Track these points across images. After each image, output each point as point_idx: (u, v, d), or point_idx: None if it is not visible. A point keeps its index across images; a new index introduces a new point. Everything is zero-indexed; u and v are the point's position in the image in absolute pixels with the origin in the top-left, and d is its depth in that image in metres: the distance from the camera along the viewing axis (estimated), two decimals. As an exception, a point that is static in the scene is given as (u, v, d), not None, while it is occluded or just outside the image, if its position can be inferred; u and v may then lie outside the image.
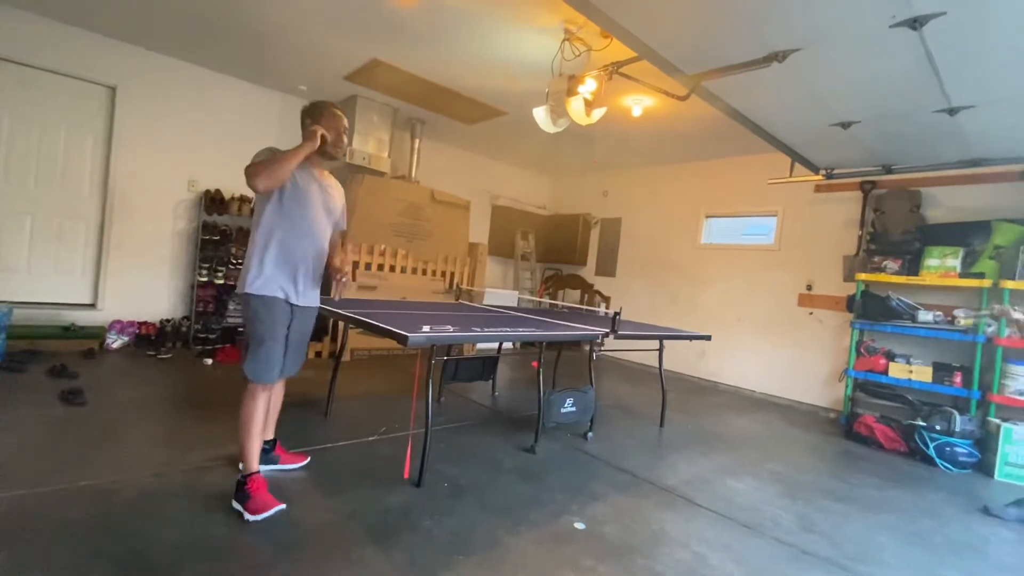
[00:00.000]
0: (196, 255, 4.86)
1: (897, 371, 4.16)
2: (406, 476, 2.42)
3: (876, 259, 4.48)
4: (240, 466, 2.20)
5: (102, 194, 4.60)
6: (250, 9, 3.66)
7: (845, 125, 3.12)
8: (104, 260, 4.61)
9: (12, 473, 2.06)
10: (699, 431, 3.88)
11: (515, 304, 6.40)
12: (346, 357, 4.74)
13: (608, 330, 3.16)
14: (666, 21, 2.29)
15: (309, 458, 2.48)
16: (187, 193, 4.96)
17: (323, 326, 4.92)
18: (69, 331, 4.22)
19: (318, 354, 4.99)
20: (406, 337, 2.08)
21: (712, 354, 5.81)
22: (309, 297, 2.15)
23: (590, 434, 3.34)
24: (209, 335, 4.85)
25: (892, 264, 4.35)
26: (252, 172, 1.90)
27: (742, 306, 5.68)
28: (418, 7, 3.36)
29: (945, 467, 3.51)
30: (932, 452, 3.57)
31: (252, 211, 5.03)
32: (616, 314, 3.30)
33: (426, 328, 2.33)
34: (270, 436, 2.37)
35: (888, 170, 3.91)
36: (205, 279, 4.87)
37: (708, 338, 4.00)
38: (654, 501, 2.50)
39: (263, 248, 2.02)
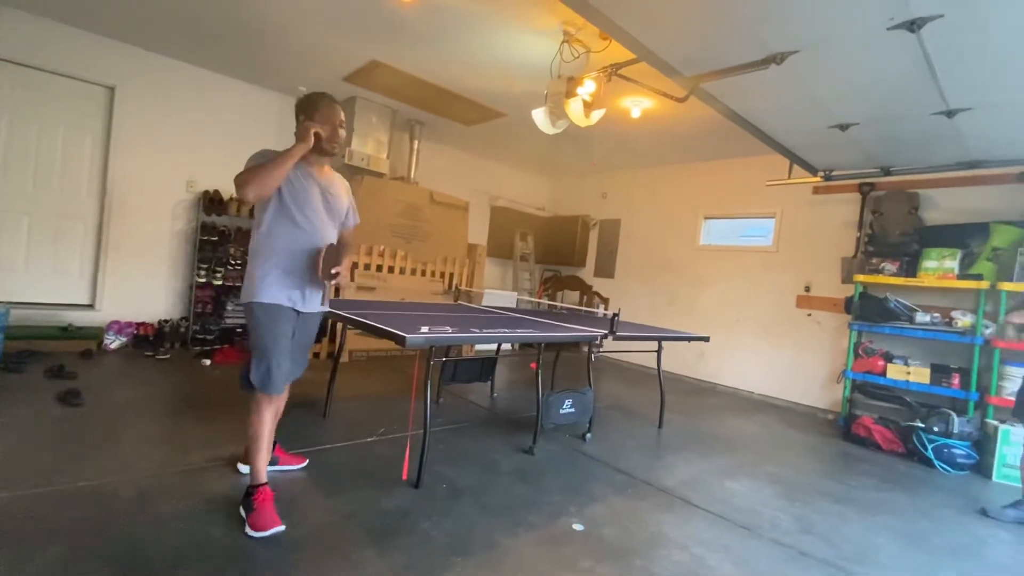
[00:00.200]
0: (195, 256, 4.86)
1: (895, 373, 4.17)
2: (404, 477, 2.42)
3: (874, 261, 4.49)
4: (239, 466, 2.19)
5: (100, 194, 4.60)
6: (249, 9, 3.67)
7: (843, 127, 3.13)
8: (102, 260, 4.60)
9: (9, 474, 2.06)
10: (697, 432, 3.88)
11: (514, 305, 6.40)
12: (345, 358, 4.74)
13: (607, 331, 3.16)
14: (665, 23, 2.29)
15: (308, 460, 2.46)
16: (186, 194, 4.96)
17: (322, 327, 4.90)
18: (67, 331, 4.21)
19: (316, 355, 4.98)
20: (404, 338, 2.08)
21: (711, 355, 5.82)
22: (315, 302, 2.07)
23: (588, 435, 3.34)
24: (207, 336, 4.84)
25: (890, 266, 4.36)
26: (241, 181, 1.80)
27: (740, 307, 5.69)
28: (417, 8, 3.36)
29: (943, 469, 3.52)
30: (930, 454, 3.57)
31: (251, 212, 5.06)
32: (615, 315, 3.31)
33: (424, 329, 2.33)
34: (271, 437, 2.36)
35: (886, 172, 3.92)
36: (204, 280, 4.86)
37: (706, 339, 4.01)
38: (652, 502, 2.50)
39: (266, 256, 1.94)
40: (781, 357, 5.30)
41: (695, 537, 2.18)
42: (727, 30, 2.26)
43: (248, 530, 1.81)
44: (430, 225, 5.86)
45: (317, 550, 1.78)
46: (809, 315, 5.14)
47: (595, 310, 6.55)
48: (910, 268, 4.28)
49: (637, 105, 4.51)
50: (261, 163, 1.84)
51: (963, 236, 4.10)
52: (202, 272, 4.85)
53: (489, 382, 4.21)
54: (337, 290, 4.99)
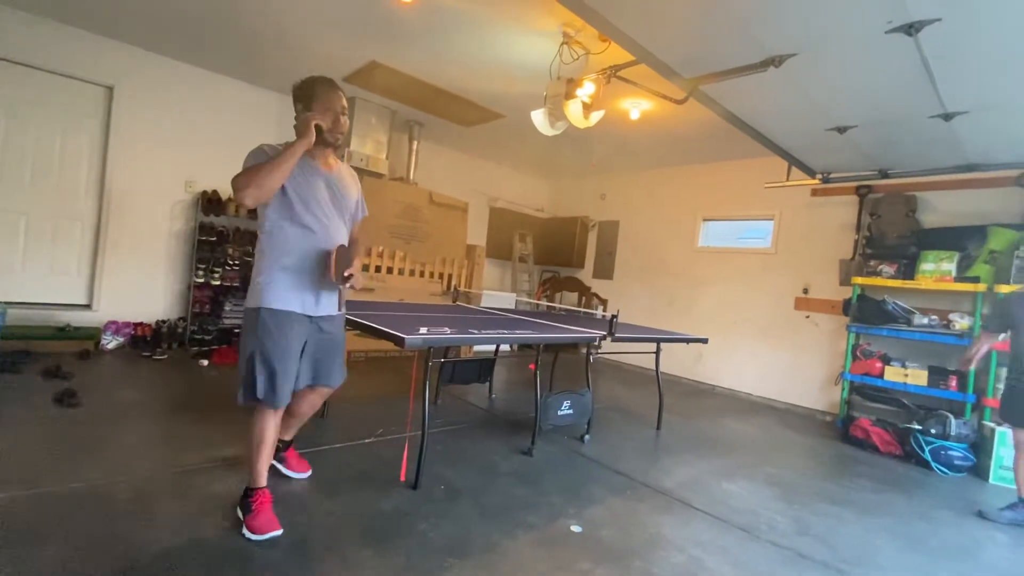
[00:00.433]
0: (193, 256, 4.85)
1: (893, 375, 4.18)
2: (402, 478, 2.41)
3: (872, 263, 4.50)
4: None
5: (98, 194, 4.59)
6: (249, 10, 3.66)
7: (841, 130, 3.14)
8: (100, 260, 4.59)
9: (5, 474, 2.05)
10: (696, 434, 3.88)
11: (512, 306, 6.40)
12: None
13: (605, 333, 3.17)
14: (664, 25, 2.30)
15: (312, 471, 2.35)
16: (184, 194, 4.95)
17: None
18: (64, 332, 4.20)
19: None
20: (403, 339, 2.08)
21: (709, 357, 5.82)
22: (330, 305, 1.94)
23: (587, 437, 3.34)
24: (205, 336, 4.83)
25: (888, 268, 4.37)
26: (238, 184, 1.66)
27: (739, 309, 5.70)
28: (417, 9, 3.37)
29: (940, 471, 3.53)
30: (927, 456, 3.58)
31: (250, 211, 5.05)
32: (613, 317, 3.31)
33: (423, 330, 2.33)
34: (288, 437, 2.27)
35: (884, 175, 3.93)
36: (202, 280, 4.85)
37: (705, 341, 4.01)
38: (651, 504, 2.50)
39: (273, 258, 1.81)
40: (779, 359, 5.31)
41: (693, 539, 2.18)
42: (726, 32, 2.27)
43: (245, 532, 1.80)
44: (429, 226, 5.86)
45: (315, 551, 1.77)
46: (807, 317, 5.14)
47: (594, 311, 6.56)
48: (908, 270, 4.29)
49: (636, 107, 4.52)
50: (258, 165, 1.70)
51: (960, 239, 4.11)
52: (200, 272, 4.84)
53: (488, 383, 4.20)
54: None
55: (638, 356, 5.52)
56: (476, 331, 2.68)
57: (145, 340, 4.57)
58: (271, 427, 1.85)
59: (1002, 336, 2.96)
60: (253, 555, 1.71)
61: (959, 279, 3.99)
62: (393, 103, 5.33)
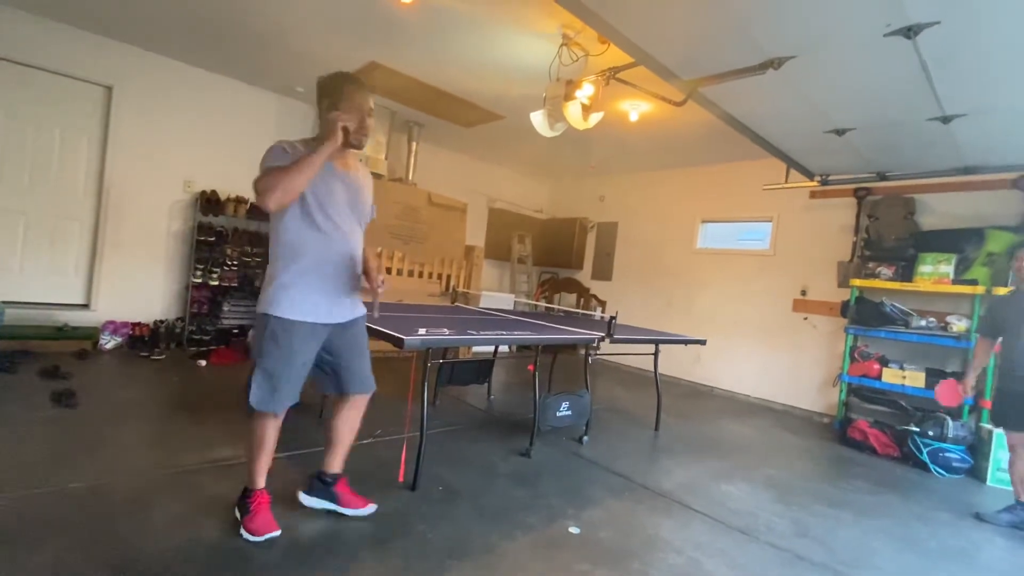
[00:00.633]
0: (191, 256, 4.84)
1: (890, 376, 4.19)
2: (401, 479, 2.41)
3: (870, 265, 4.51)
4: (301, 495, 2.03)
5: (97, 194, 4.58)
6: (248, 10, 3.66)
7: (840, 132, 3.15)
8: (98, 260, 4.58)
9: (2, 475, 2.04)
10: (694, 436, 3.88)
11: (511, 307, 6.40)
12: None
13: (604, 334, 3.17)
14: (663, 27, 2.30)
15: (376, 506, 2.07)
16: (183, 194, 4.94)
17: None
18: (62, 332, 4.19)
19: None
20: (402, 340, 2.08)
21: (708, 359, 5.83)
22: (346, 310, 1.86)
23: (585, 438, 3.34)
24: (203, 336, 4.82)
25: (886, 270, 4.38)
26: (263, 187, 1.58)
27: (737, 311, 5.70)
28: (416, 10, 3.37)
29: (938, 472, 3.53)
30: (925, 457, 3.59)
31: (248, 212, 5.05)
32: (612, 318, 3.31)
33: (422, 331, 2.33)
34: (336, 469, 2.04)
35: (882, 177, 3.94)
36: (200, 280, 4.84)
37: (703, 342, 4.02)
38: (649, 506, 2.50)
39: (286, 262, 1.74)
40: (778, 361, 5.31)
41: (692, 540, 2.18)
42: (725, 35, 2.27)
43: (243, 533, 1.79)
44: (428, 226, 5.86)
45: (312, 552, 1.77)
46: (806, 319, 5.15)
47: (592, 312, 6.56)
48: (906, 273, 4.30)
49: (635, 109, 4.53)
50: (282, 168, 1.62)
51: (958, 241, 4.12)
52: (198, 272, 4.83)
53: (486, 384, 4.20)
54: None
55: (637, 357, 5.52)
56: (475, 332, 2.68)
57: (143, 340, 4.56)
58: (271, 430, 1.82)
59: (1000, 339, 2.96)
60: (251, 556, 1.70)
61: (957, 281, 4.00)
62: (392, 104, 5.34)
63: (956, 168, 3.56)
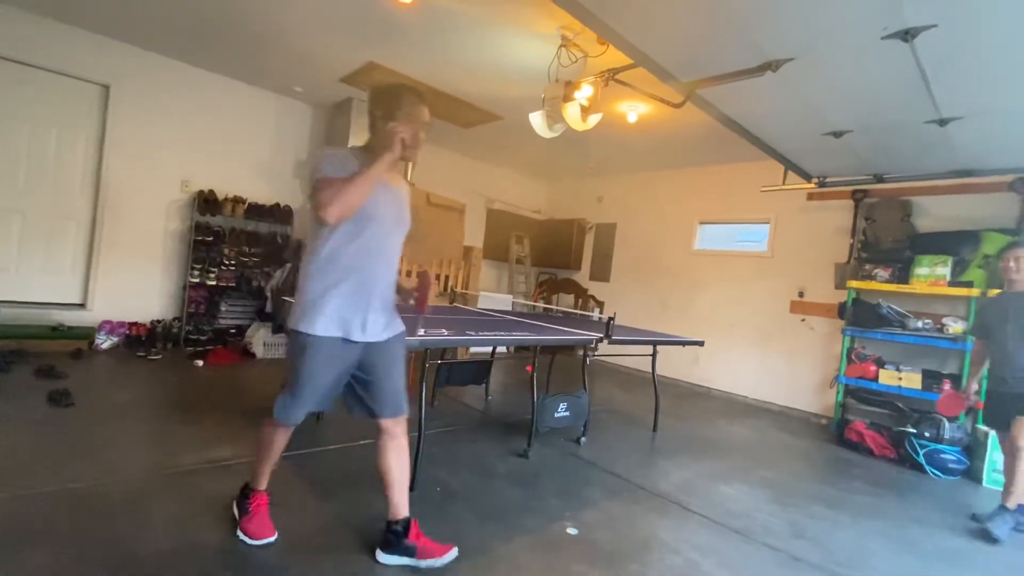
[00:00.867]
0: (188, 256, 4.82)
1: (887, 378, 4.20)
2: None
3: (867, 267, 4.53)
4: (379, 554, 1.82)
5: (94, 193, 4.56)
6: (247, 10, 3.66)
7: (837, 134, 3.16)
8: (95, 260, 4.56)
9: (-3, 475, 2.03)
10: (692, 437, 3.89)
11: (509, 308, 6.40)
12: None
13: (602, 335, 3.17)
14: (662, 29, 2.31)
15: (456, 549, 1.82)
16: (180, 193, 4.93)
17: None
18: (58, 331, 4.17)
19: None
20: (400, 340, 2.07)
21: (705, 360, 5.84)
22: (380, 328, 1.74)
23: (583, 439, 3.34)
24: (200, 336, 4.81)
25: (883, 272, 4.40)
26: (324, 200, 1.52)
27: (735, 312, 5.71)
28: (415, 11, 3.37)
29: (934, 474, 3.54)
30: (921, 459, 3.60)
31: (246, 212, 5.04)
32: (610, 319, 3.31)
33: (420, 331, 2.32)
34: (402, 514, 1.82)
35: (879, 179, 3.96)
36: (197, 280, 4.83)
37: (701, 343, 4.02)
38: (647, 506, 2.50)
39: (325, 277, 1.65)
40: (775, 362, 5.32)
41: (689, 541, 2.18)
42: (724, 37, 2.28)
43: (240, 533, 1.79)
44: (426, 227, 5.84)
45: (309, 553, 1.76)
46: (803, 320, 5.16)
47: (590, 313, 6.56)
48: (902, 275, 4.32)
49: (634, 110, 4.53)
50: (342, 180, 1.55)
51: (955, 243, 4.14)
52: (196, 272, 4.82)
53: (484, 385, 4.20)
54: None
55: (634, 358, 5.54)
56: (473, 332, 2.68)
57: (140, 340, 4.54)
58: (280, 437, 1.79)
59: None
60: (247, 557, 1.70)
61: (953, 283, 4.02)
62: (391, 104, 5.32)
63: (953, 171, 3.58)
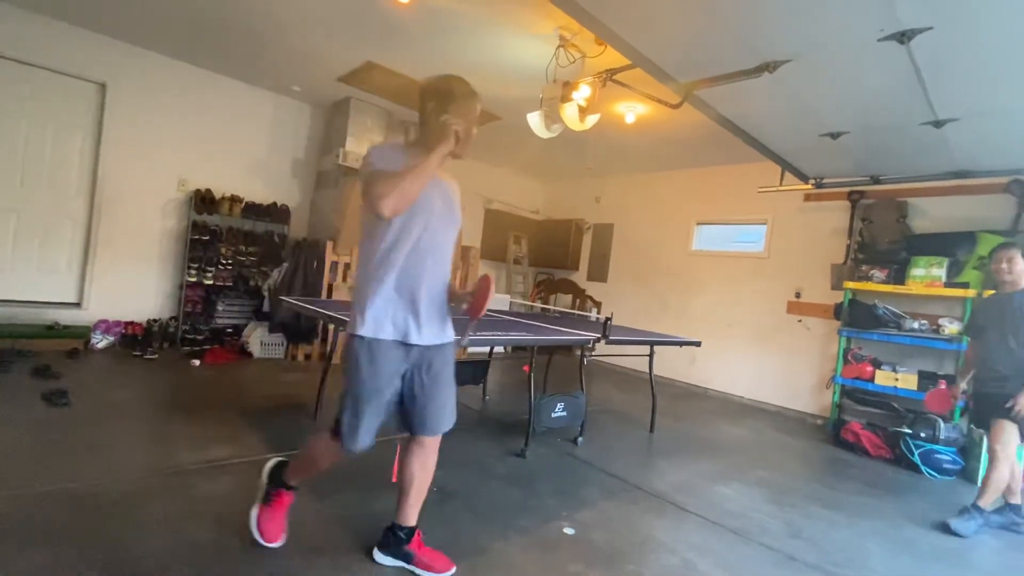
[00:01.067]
0: (185, 255, 4.81)
1: (883, 379, 4.21)
2: (394, 480, 2.39)
3: (863, 268, 4.54)
4: (376, 553, 1.80)
5: (90, 192, 4.54)
6: (245, 9, 3.65)
7: (834, 135, 3.17)
8: (91, 259, 4.54)
9: (-8, 475, 2.02)
10: (688, 437, 3.89)
11: (507, 308, 6.40)
12: (336, 359, 4.71)
13: (599, 335, 3.17)
14: (660, 29, 2.31)
15: (455, 569, 1.79)
16: (177, 192, 4.91)
17: (312, 328, 4.89)
18: (53, 330, 4.15)
19: (307, 356, 4.95)
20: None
21: (702, 360, 5.85)
22: (435, 332, 1.67)
23: (580, 439, 3.34)
24: (197, 336, 4.80)
25: (879, 273, 4.41)
26: (380, 192, 1.45)
27: (732, 313, 5.73)
28: (413, 10, 3.37)
29: (929, 474, 3.56)
30: (917, 459, 3.61)
31: (244, 211, 5.03)
32: (607, 319, 3.32)
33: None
34: (411, 522, 1.81)
35: (876, 180, 3.97)
36: (194, 279, 4.81)
37: (698, 344, 4.03)
38: (643, 506, 2.50)
39: (379, 276, 1.58)
40: (772, 362, 5.34)
41: (686, 541, 2.19)
42: (721, 38, 2.29)
43: (252, 523, 1.74)
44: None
45: (306, 553, 1.76)
46: (799, 321, 5.18)
47: (588, 314, 6.57)
48: (898, 276, 4.33)
49: (631, 111, 4.54)
50: (396, 173, 1.50)
51: (950, 245, 4.15)
52: (192, 271, 4.80)
53: (481, 385, 4.20)
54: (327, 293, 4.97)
55: (632, 359, 5.54)
56: (471, 332, 2.68)
57: (136, 339, 4.53)
58: (329, 456, 1.71)
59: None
60: (245, 557, 1.69)
61: (949, 284, 4.03)
62: (389, 103, 5.33)
63: (949, 172, 3.60)
